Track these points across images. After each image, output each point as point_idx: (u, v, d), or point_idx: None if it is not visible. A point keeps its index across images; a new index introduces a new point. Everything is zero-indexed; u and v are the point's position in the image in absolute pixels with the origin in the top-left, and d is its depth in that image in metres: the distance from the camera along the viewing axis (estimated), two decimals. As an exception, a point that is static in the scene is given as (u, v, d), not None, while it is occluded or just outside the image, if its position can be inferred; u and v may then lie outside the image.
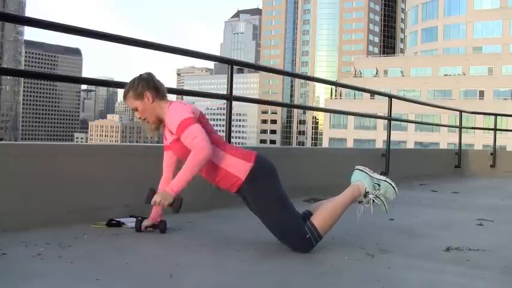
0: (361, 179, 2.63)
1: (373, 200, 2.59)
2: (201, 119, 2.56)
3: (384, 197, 2.63)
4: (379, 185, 2.61)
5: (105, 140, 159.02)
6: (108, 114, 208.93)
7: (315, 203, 2.73)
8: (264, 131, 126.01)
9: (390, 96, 6.17)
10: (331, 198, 2.70)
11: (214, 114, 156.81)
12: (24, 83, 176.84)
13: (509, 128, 20.32)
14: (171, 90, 4.56)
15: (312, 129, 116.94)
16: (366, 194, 2.60)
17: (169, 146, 2.66)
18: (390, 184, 2.62)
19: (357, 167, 2.70)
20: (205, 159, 2.43)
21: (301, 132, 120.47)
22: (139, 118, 2.66)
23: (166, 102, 2.63)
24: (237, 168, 2.48)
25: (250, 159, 2.50)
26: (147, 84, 2.61)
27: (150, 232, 2.73)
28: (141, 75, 2.68)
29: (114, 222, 2.87)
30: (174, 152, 2.65)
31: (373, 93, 7.26)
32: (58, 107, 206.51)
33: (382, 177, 2.65)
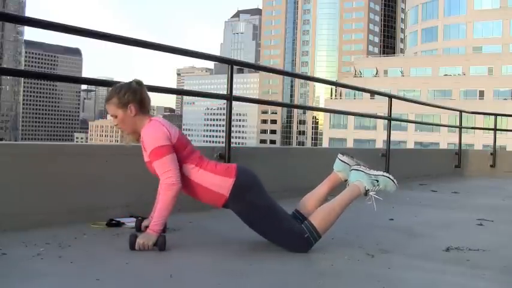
0: (359, 178, 2.61)
1: (375, 197, 2.58)
2: (180, 139, 2.48)
3: (385, 191, 2.63)
4: (378, 181, 2.60)
5: (105, 140, 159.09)
6: (108, 115, 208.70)
7: (301, 200, 2.73)
8: (264, 131, 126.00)
9: (390, 96, 6.17)
10: (314, 191, 2.71)
11: (214, 114, 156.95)
12: (24, 83, 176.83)
13: (509, 128, 20.32)
14: (171, 91, 4.57)
15: (312, 129, 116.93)
16: (366, 192, 2.59)
17: (146, 163, 2.56)
18: (388, 177, 2.61)
19: (352, 166, 2.68)
20: (176, 195, 2.40)
21: (301, 132, 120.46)
22: (115, 125, 2.56)
23: (147, 118, 2.53)
24: (219, 185, 2.46)
25: (231, 175, 2.46)
26: (133, 96, 2.49)
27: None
28: (130, 83, 2.54)
29: (114, 222, 2.87)
30: (151, 170, 2.54)
31: (373, 93, 7.26)
32: (58, 107, 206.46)
33: (379, 172, 2.63)
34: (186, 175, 2.48)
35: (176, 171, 2.42)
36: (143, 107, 2.53)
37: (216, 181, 2.46)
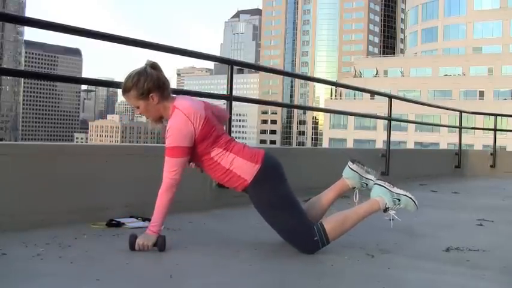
0: (381, 194, 2.58)
1: (394, 216, 2.57)
2: (204, 127, 2.40)
3: (404, 211, 2.61)
4: (399, 200, 2.57)
5: (105, 141, 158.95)
6: (108, 115, 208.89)
7: (306, 203, 2.71)
8: (264, 131, 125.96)
9: (390, 97, 6.17)
10: (321, 196, 2.70)
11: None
12: (24, 83, 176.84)
13: (509, 128, 20.32)
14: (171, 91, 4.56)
15: (312, 129, 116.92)
16: (386, 210, 2.57)
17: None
18: (410, 198, 2.59)
19: (376, 181, 2.64)
20: (173, 196, 2.38)
21: (301, 133, 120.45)
22: (140, 114, 2.49)
23: (171, 102, 2.43)
24: (244, 170, 2.43)
25: (257, 161, 2.44)
26: (153, 84, 2.37)
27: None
28: (146, 70, 2.40)
29: (114, 222, 2.87)
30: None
31: (373, 93, 7.27)
32: (58, 107, 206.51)
33: (402, 192, 2.60)
34: (213, 158, 2.44)
35: (181, 172, 2.39)
36: (164, 92, 2.42)
37: (241, 165, 2.44)
